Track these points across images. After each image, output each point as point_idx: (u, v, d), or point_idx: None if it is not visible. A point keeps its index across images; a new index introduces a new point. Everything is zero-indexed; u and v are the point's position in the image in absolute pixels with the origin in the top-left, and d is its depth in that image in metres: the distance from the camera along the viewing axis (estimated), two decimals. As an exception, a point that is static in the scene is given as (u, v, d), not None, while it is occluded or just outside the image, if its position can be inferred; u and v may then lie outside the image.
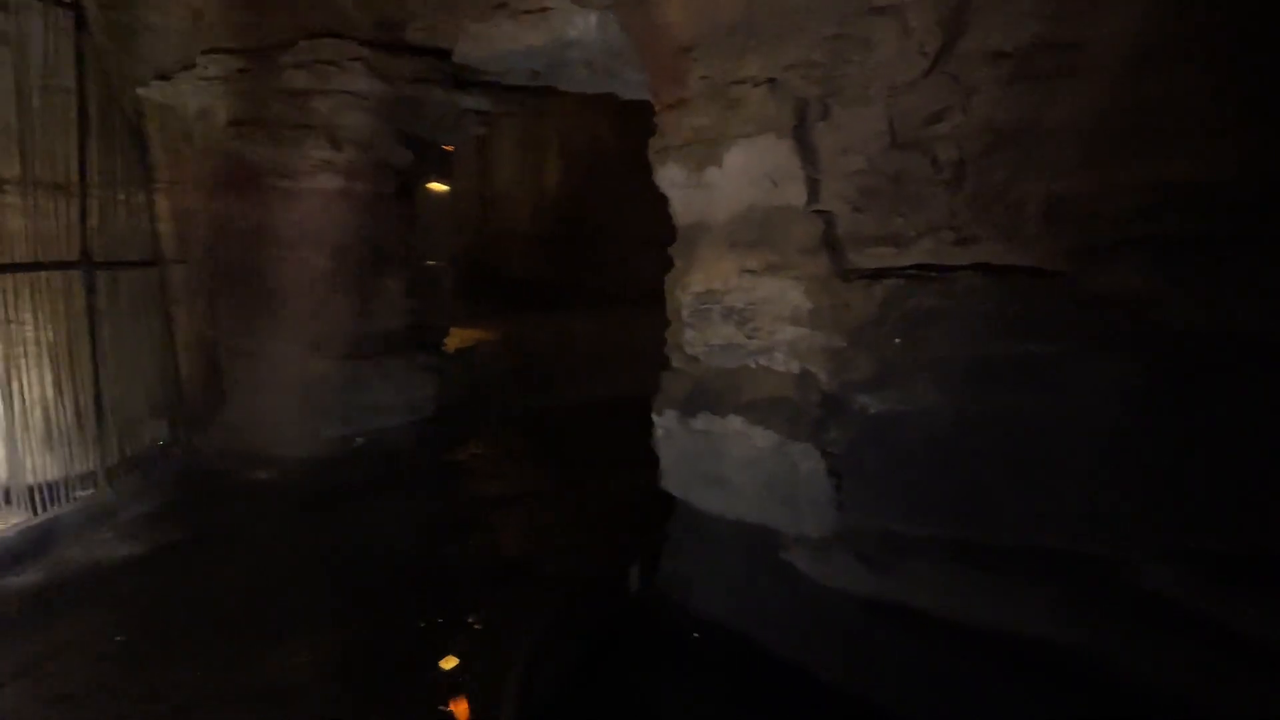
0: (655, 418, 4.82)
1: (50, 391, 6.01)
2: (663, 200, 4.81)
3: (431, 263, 8.74)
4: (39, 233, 5.80)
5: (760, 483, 4.32)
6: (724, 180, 4.39)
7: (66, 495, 5.97)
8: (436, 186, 8.99)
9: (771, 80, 4.10)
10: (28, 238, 5.77)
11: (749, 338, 4.35)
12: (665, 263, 4.88)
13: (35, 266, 5.74)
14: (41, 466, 5.87)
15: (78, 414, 6.18)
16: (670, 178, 4.69)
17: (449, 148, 8.40)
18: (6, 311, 5.72)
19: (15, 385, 5.70)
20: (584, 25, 5.56)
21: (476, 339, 9.95)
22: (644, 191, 5.30)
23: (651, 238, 6.39)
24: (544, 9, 5.56)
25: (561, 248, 12.28)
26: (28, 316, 5.81)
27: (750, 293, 4.30)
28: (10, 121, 5.94)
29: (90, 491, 6.11)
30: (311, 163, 7.01)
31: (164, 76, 7.17)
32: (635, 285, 9.83)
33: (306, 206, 7.13)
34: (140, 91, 7.14)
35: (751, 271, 4.29)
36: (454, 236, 10.55)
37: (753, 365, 4.38)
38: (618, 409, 7.15)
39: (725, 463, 4.47)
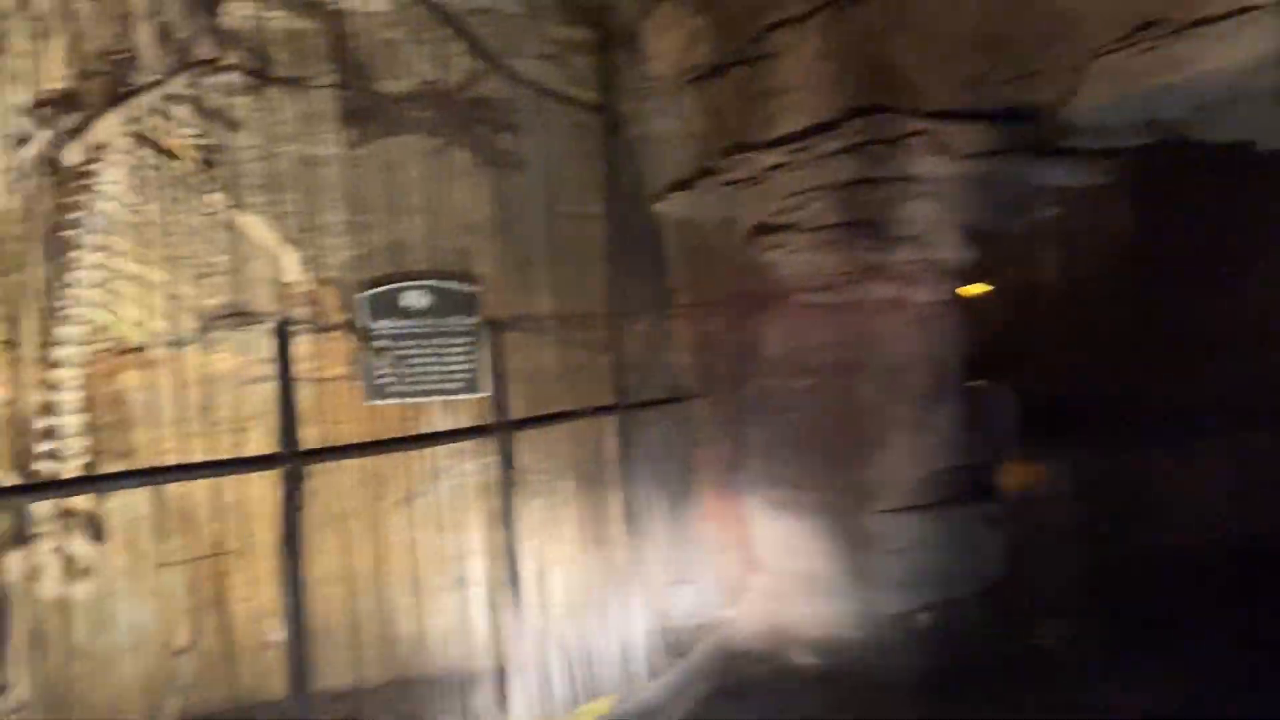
0: None
1: (577, 553, 5.10)
2: None
3: (979, 383, 7.04)
4: (571, 373, 4.96)
5: None
6: None
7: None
8: (975, 288, 7.35)
9: None
10: (560, 379, 4.96)
11: None
12: None
13: (570, 415, 4.90)
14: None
15: (609, 582, 5.23)
16: None
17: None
18: (537, 462, 4.94)
19: (541, 548, 4.82)
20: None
21: (1023, 476, 8.00)
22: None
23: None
24: (1247, 8, 3.74)
25: (1113, 351, 9.96)
26: (566, 469, 4.98)
27: None
28: (533, 252, 5.31)
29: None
30: (855, 270, 5.69)
31: (682, 186, 6.31)
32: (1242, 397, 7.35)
33: (848, 324, 5.80)
34: (658, 206, 6.33)
35: None
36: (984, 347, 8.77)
37: None
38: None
39: None
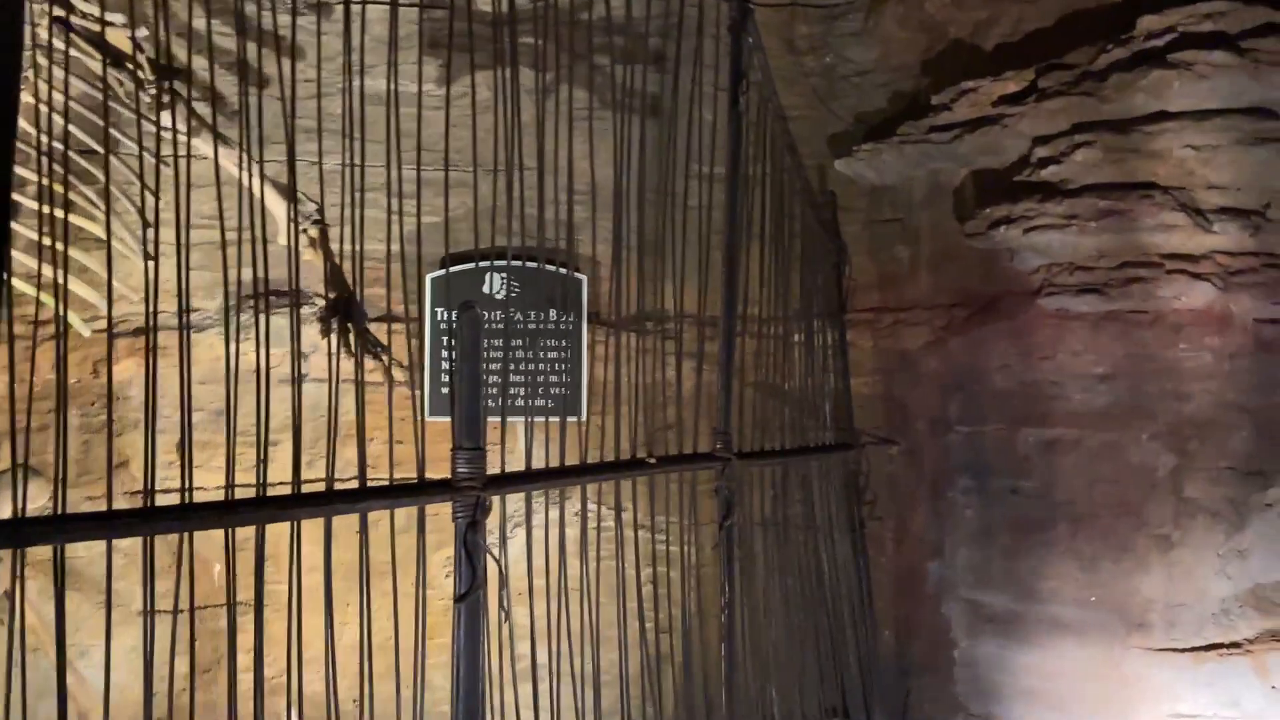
0: None
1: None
2: None
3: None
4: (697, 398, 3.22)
5: None
6: None
7: None
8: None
9: None
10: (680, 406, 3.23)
11: None
12: None
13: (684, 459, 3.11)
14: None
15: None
16: None
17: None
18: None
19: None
20: None
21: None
22: None
23: None
24: None
25: None
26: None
27: None
28: (659, 228, 3.61)
29: None
30: (1140, 262, 3.62)
31: (874, 135, 4.40)
32: None
33: (1125, 348, 3.71)
34: (839, 165, 4.44)
35: None
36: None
37: None
38: None
39: None
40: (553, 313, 4.51)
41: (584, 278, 4.48)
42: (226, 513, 1.65)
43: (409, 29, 3.83)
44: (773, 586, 3.39)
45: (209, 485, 3.67)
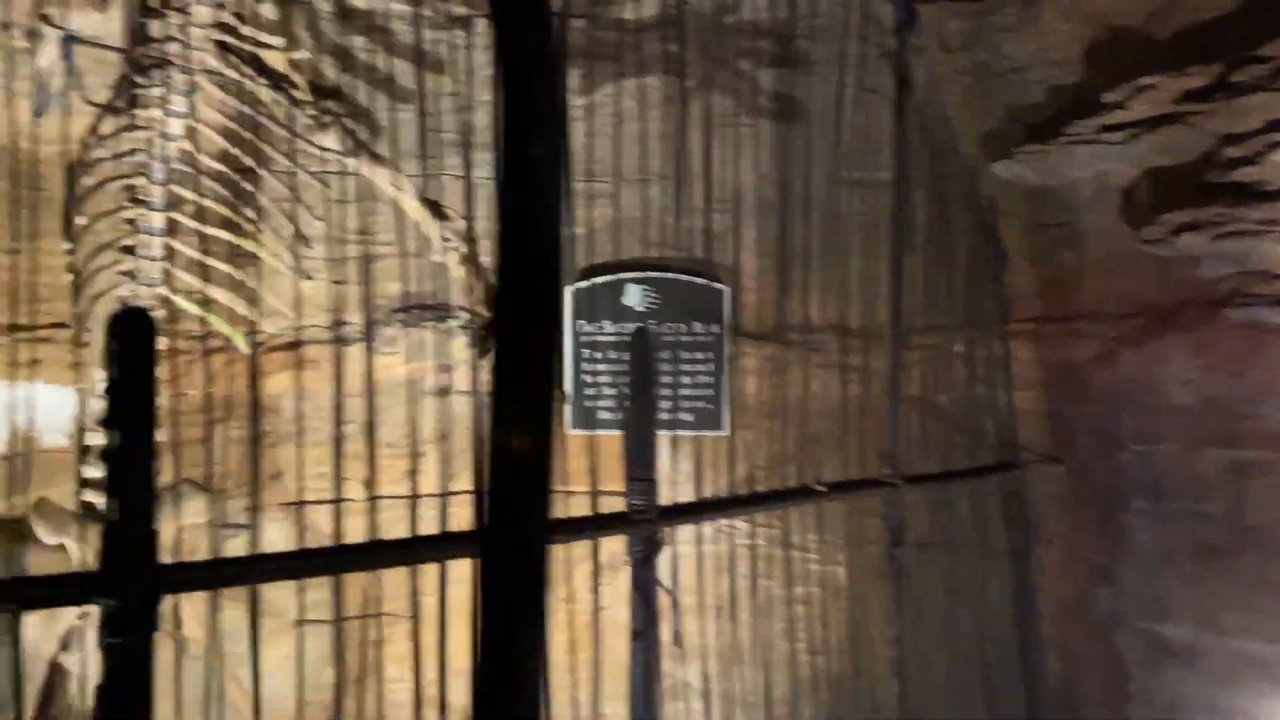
0: None
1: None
2: None
3: None
4: (845, 414, 3.07)
5: None
6: None
7: None
8: None
9: None
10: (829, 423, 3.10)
11: None
12: None
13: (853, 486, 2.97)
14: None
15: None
16: None
17: None
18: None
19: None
20: None
21: None
22: None
23: None
24: None
25: None
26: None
27: None
28: (804, 236, 3.47)
29: None
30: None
31: (1038, 135, 4.14)
32: None
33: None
34: (997, 168, 4.19)
35: None
36: None
37: None
38: None
39: None
40: (695, 325, 4.41)
41: (726, 289, 4.36)
42: (410, 550, 1.60)
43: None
44: (938, 613, 3.21)
45: (358, 497, 3.71)
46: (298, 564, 1.51)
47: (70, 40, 2.94)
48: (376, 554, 1.54)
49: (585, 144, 4.49)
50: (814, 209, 4.05)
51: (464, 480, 2.96)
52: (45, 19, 2.94)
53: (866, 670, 3.57)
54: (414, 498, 2.20)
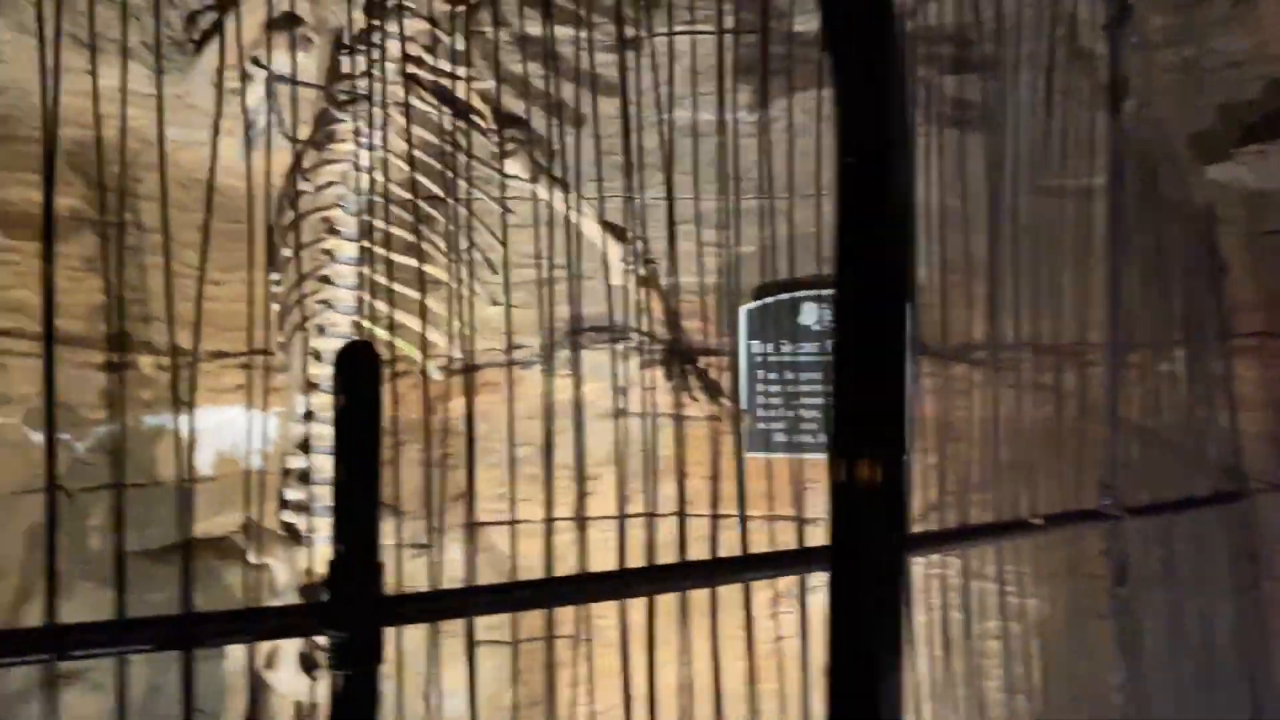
0: None
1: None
2: None
3: None
4: (1046, 438, 2.88)
5: None
6: None
7: None
8: None
9: None
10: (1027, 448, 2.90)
11: None
12: None
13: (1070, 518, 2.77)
14: None
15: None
16: None
17: None
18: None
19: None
20: None
21: None
22: None
23: None
24: None
25: None
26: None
27: None
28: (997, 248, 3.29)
29: None
30: None
31: (1256, 135, 3.81)
32: None
33: None
34: (1213, 171, 3.88)
35: None
36: None
37: None
38: None
39: None
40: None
41: (908, 305, 4.18)
42: (619, 583, 1.55)
43: (714, 58, 3.76)
44: (1162, 656, 2.95)
45: (534, 519, 3.71)
46: (539, 592, 1.47)
47: (275, 79, 3.07)
48: (616, 582, 1.50)
49: (758, 160, 4.40)
50: (1001, 219, 3.83)
51: (637, 503, 2.92)
52: (255, 61, 3.08)
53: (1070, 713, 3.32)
54: (622, 517, 2.16)
